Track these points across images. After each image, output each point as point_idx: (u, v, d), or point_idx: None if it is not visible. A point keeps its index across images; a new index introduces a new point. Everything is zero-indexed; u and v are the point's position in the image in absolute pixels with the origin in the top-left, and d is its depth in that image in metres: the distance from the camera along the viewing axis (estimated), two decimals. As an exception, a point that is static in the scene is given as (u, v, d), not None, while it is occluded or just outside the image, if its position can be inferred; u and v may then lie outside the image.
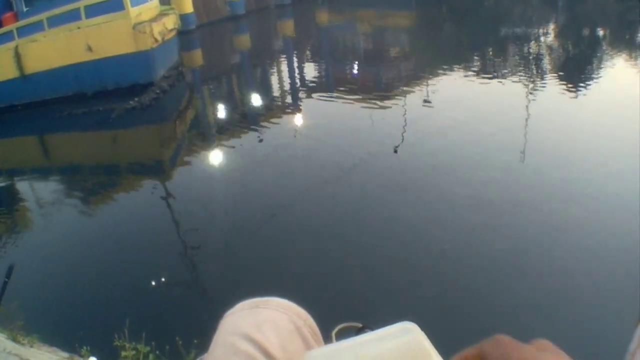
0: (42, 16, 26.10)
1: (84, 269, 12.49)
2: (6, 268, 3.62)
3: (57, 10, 26.05)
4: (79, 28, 25.71)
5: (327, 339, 1.25)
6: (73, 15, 25.86)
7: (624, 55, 29.48)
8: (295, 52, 37.02)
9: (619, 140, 16.46)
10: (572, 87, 22.68)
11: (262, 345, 1.16)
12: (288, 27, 46.49)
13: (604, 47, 32.13)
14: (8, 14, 28.99)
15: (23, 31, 26.25)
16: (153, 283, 11.56)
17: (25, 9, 28.59)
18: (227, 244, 12.82)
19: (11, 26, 26.86)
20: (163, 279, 11.65)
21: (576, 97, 21.53)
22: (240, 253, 12.23)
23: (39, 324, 9.70)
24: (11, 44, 26.08)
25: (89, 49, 25.55)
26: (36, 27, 26.10)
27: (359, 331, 1.05)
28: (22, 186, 19.91)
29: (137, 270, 12.13)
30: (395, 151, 16.93)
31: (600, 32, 36.65)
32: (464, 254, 11.17)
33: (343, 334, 1.00)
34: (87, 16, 25.75)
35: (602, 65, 27.23)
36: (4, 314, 8.04)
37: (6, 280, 3.62)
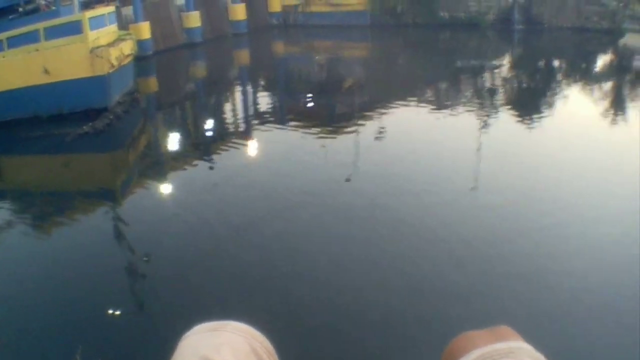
0: (2, 36, 26.17)
1: (35, 297, 12.47)
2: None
3: (16, 31, 26.15)
4: (37, 50, 25.79)
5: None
6: (32, 37, 25.94)
7: (579, 85, 30.27)
8: (250, 81, 37.38)
9: (571, 169, 17.05)
10: (525, 118, 23.29)
11: None
12: (244, 56, 46.97)
13: (559, 78, 32.92)
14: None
15: (-18, 51, 26.16)
16: (104, 310, 11.63)
17: (-15, 29, 28.54)
18: (176, 269, 12.97)
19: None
20: (114, 307, 11.72)
21: (530, 127, 22.12)
22: (189, 279, 12.39)
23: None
24: (-32, 63, 25.96)
25: (46, 71, 25.53)
26: (-5, 46, 26.04)
27: None
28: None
29: (88, 298, 12.19)
30: (348, 180, 17.25)
31: (556, 64, 37.44)
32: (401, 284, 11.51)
33: None
34: (46, 38, 25.88)
35: (557, 96, 27.94)
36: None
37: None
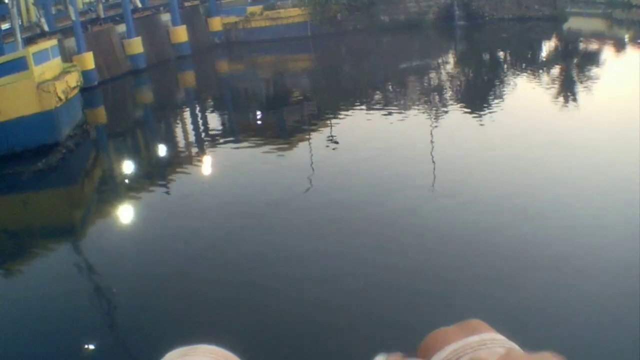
0: (-53, 78, 25.86)
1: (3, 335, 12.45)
2: None
3: (-40, 71, 25.84)
4: (-17, 89, 25.53)
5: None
6: (-22, 76, 25.68)
7: (526, 74, 30.83)
8: (197, 102, 37.66)
9: (526, 160, 17.49)
10: (475, 112, 23.72)
11: None
12: (189, 78, 47.17)
13: (505, 69, 33.50)
14: None
15: None
16: (73, 347, 11.75)
17: None
18: (142, 301, 13.10)
19: None
20: (83, 343, 11.84)
21: (481, 121, 22.48)
22: (156, 311, 12.53)
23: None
24: None
25: (-5, 110, 25.30)
26: (-57, 90, 25.77)
27: None
28: None
29: (54, 336, 12.27)
30: (307, 190, 17.53)
31: (501, 55, 38.03)
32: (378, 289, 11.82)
33: None
34: (-8, 76, 25.65)
35: (504, 86, 28.48)
36: None
37: None
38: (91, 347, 11.78)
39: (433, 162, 18.37)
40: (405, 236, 14.34)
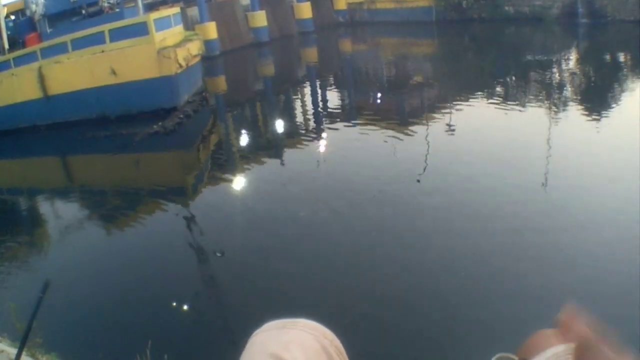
0: (66, 38, 26.21)
1: (106, 291, 12.32)
2: (41, 284, 3.55)
3: (81, 33, 26.19)
4: (102, 52, 25.73)
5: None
6: (97, 39, 25.90)
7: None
8: (318, 79, 37.07)
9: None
10: (594, 114, 22.56)
11: None
12: (311, 54, 46.68)
13: (626, 72, 32.06)
14: (32, 35, 29.25)
15: (47, 52, 26.35)
16: (174, 306, 11.42)
17: (49, 30, 28.83)
18: (248, 268, 12.75)
19: (35, 47, 27.04)
20: (184, 303, 11.52)
21: (599, 123, 21.39)
22: (258, 279, 12.19)
23: (61, 343, 9.65)
24: (34, 65, 26.17)
25: (113, 72, 25.54)
26: (60, 48, 26.16)
27: None
28: (45, 207, 19.94)
29: (159, 293, 11.92)
30: (418, 180, 16.84)
31: (622, 58, 36.58)
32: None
33: None
34: (112, 40, 25.81)
35: (624, 90, 27.16)
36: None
37: (41, 296, 3.53)
38: (188, 306, 11.57)
39: (548, 156, 17.44)
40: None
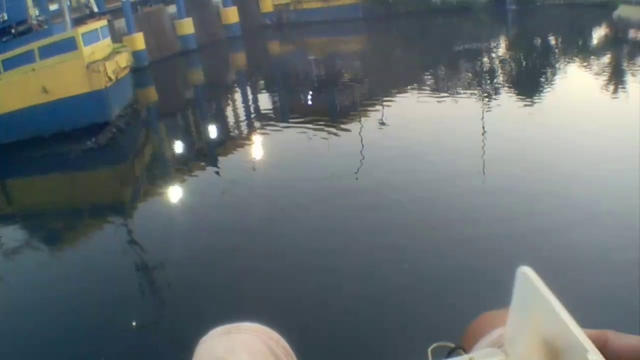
0: (-3, 59, 25.95)
1: (51, 318, 12.38)
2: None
3: (11, 53, 26.01)
4: (33, 70, 25.59)
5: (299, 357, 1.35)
6: (27, 57, 25.74)
7: (577, 61, 30.07)
8: (248, 83, 37.33)
9: (578, 145, 16.86)
10: (526, 98, 23.10)
11: None
12: (240, 58, 46.93)
13: (556, 55, 32.74)
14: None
15: (-23, 74, 25.97)
16: (122, 324, 11.57)
17: (-21, 53, 28.43)
18: (192, 278, 12.89)
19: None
20: (132, 319, 11.69)
21: (532, 107, 21.92)
22: (202, 285, 12.32)
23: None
24: (-35, 88, 25.79)
25: (45, 90, 25.40)
26: (-9, 70, 25.83)
27: (450, 352, 1.09)
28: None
29: (106, 313, 12.04)
30: (356, 178, 17.12)
31: (552, 41, 37.27)
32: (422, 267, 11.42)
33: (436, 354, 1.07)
34: (42, 57, 25.68)
35: (556, 73, 27.78)
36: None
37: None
38: (137, 320, 11.69)
39: (483, 143, 17.88)
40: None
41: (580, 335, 0.74)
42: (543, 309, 0.81)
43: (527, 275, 0.85)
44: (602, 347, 0.75)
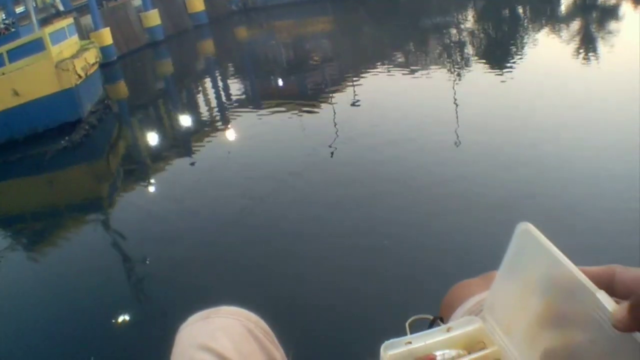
0: (-33, 66, 25.91)
1: (35, 316, 12.44)
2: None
3: (-21, 59, 25.88)
4: (3, 74, 25.63)
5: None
6: (-4, 62, 25.70)
7: (546, 30, 30.25)
8: (218, 70, 37.45)
9: (550, 115, 17.03)
10: (497, 69, 23.28)
11: (219, 352, 1.25)
12: (208, 46, 46.92)
13: (526, 25, 32.92)
14: None
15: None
16: (107, 319, 11.68)
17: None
18: (173, 271, 12.97)
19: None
20: (116, 314, 11.79)
21: (502, 78, 22.05)
22: (186, 278, 12.41)
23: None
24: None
25: (16, 93, 25.44)
26: (-39, 76, 25.82)
27: (432, 323, 1.13)
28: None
29: (92, 311, 12.18)
30: (332, 155, 17.25)
31: (520, 11, 37.41)
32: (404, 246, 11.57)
33: (415, 326, 1.09)
34: (11, 60, 25.74)
35: (525, 42, 27.93)
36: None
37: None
38: (123, 316, 11.77)
39: (456, 117, 18.04)
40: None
41: (585, 281, 0.77)
42: (545, 261, 0.83)
43: (528, 231, 0.88)
44: (610, 282, 0.78)
